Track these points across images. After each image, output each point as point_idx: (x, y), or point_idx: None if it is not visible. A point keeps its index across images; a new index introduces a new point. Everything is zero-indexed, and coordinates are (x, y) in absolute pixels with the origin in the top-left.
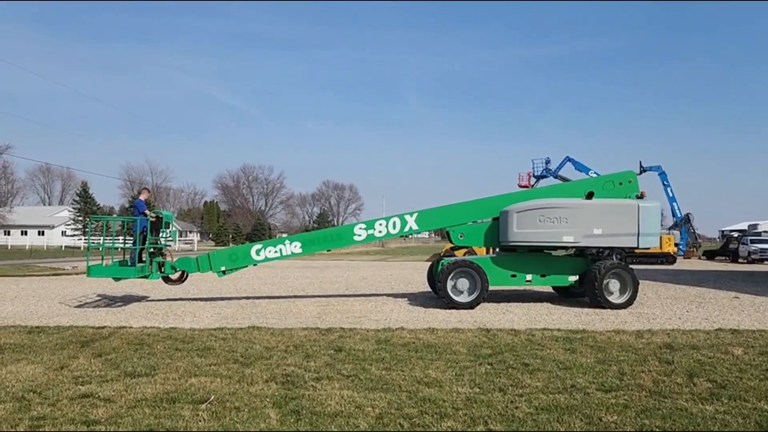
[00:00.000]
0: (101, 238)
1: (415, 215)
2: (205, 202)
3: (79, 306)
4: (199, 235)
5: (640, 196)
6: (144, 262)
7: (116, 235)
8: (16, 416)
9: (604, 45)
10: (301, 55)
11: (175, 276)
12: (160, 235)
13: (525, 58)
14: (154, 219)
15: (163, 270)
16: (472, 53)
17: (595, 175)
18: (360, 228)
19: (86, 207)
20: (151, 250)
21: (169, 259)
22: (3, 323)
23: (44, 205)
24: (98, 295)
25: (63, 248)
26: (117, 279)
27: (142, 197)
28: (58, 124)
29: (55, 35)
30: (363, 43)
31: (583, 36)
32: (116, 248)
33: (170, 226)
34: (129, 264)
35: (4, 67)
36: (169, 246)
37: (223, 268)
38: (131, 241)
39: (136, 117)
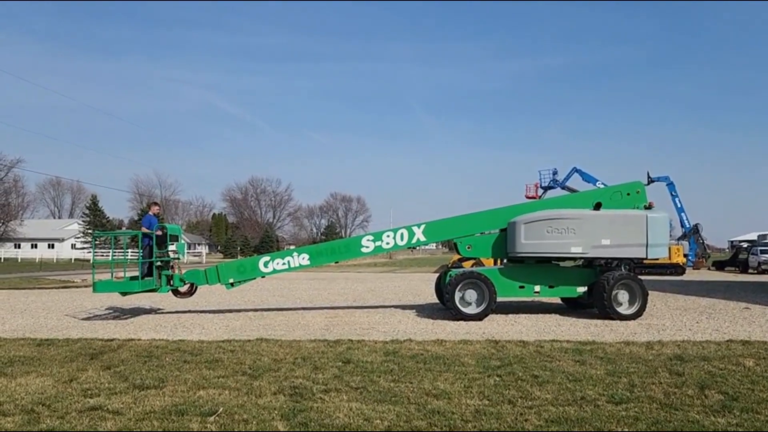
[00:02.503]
0: (107, 252)
1: (422, 227)
2: (214, 214)
3: (88, 318)
4: (207, 247)
5: (648, 207)
6: (152, 276)
7: (120, 250)
8: (25, 429)
9: (611, 54)
10: (307, 68)
11: (184, 289)
12: (167, 248)
13: (531, 68)
14: (159, 233)
15: (172, 283)
16: (478, 64)
17: (602, 186)
18: (368, 240)
19: (96, 220)
20: (158, 263)
21: (177, 271)
22: (13, 336)
23: (54, 218)
24: (107, 308)
25: (73, 261)
26: (123, 294)
27: (151, 212)
28: (67, 138)
29: (64, 50)
30: (369, 56)
31: (589, 45)
32: (122, 262)
33: (178, 239)
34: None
35: (14, 81)
36: (178, 259)
37: (231, 281)
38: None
39: (145, 130)
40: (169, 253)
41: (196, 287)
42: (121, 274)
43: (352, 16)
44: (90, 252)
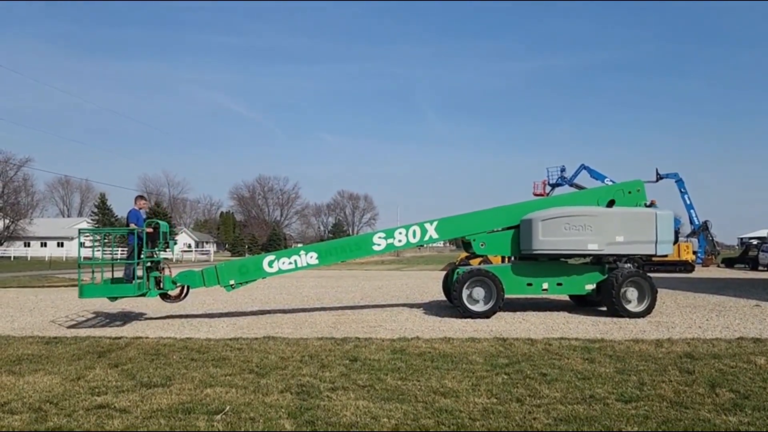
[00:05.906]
0: (108, 251)
1: (435, 223)
2: (222, 212)
3: (96, 316)
4: (215, 245)
5: (650, 205)
6: (141, 278)
7: (107, 249)
8: (32, 427)
9: (620, 55)
10: (316, 69)
11: (174, 292)
12: (159, 247)
13: (539, 69)
14: (150, 231)
15: (162, 286)
16: (485, 66)
17: (611, 183)
18: (379, 237)
19: (104, 218)
20: (148, 264)
21: (167, 273)
22: (21, 334)
23: (63, 216)
24: (115, 306)
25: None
26: (113, 299)
27: (137, 206)
28: (76, 137)
29: (75, 51)
30: (378, 57)
31: (596, 47)
32: (107, 263)
33: (167, 236)
34: (125, 281)
35: (24, 81)
36: (168, 259)
37: (231, 282)
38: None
39: (153, 129)
40: (159, 252)
41: (188, 290)
42: (113, 276)
43: (360, 18)
44: (98, 250)
